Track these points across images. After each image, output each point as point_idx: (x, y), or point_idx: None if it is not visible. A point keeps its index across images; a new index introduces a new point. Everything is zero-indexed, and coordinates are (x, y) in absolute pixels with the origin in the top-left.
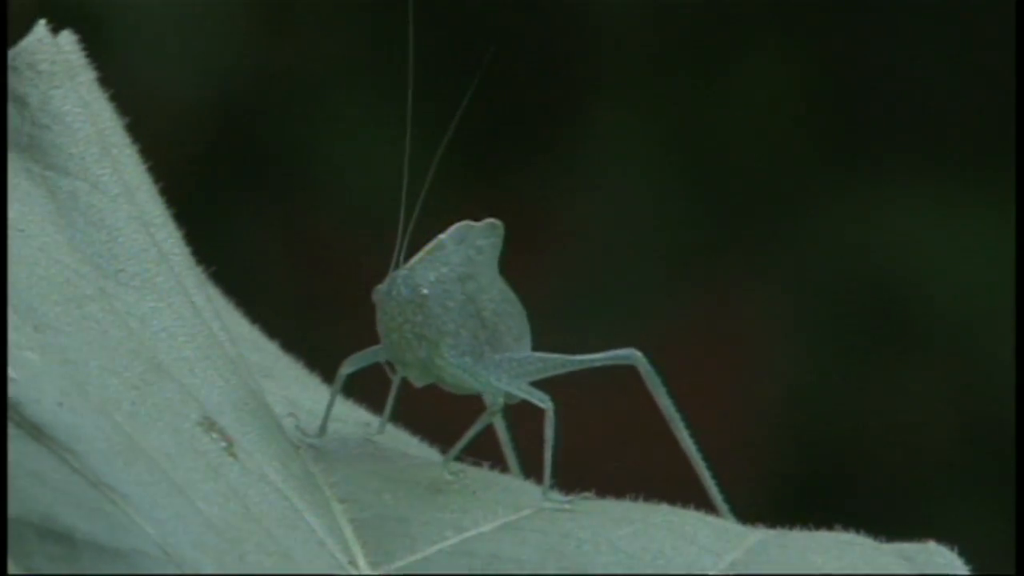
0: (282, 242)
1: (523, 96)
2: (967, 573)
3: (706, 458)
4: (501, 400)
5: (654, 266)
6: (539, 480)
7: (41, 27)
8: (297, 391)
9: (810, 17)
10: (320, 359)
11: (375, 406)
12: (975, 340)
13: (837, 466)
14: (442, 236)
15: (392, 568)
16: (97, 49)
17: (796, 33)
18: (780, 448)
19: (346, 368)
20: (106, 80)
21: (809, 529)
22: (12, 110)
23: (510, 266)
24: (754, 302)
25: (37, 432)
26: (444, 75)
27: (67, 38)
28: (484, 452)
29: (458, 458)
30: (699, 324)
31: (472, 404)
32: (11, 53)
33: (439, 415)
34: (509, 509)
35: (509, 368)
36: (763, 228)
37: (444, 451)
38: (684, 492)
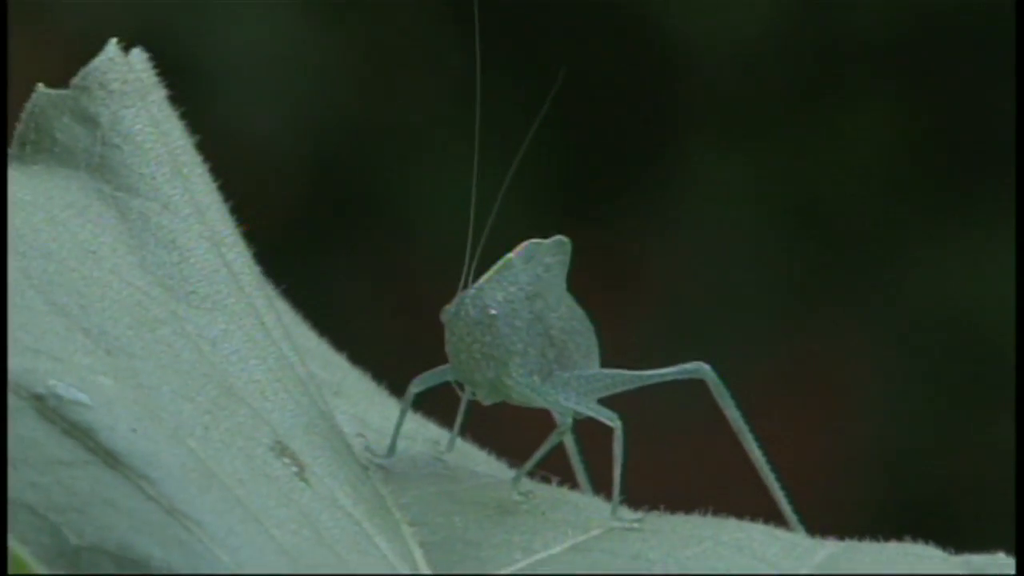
0: (371, 283)
1: (615, 132)
2: None
3: (775, 470)
4: (570, 419)
5: (749, 308)
6: (609, 496)
7: (112, 46)
8: (366, 408)
9: (912, 66)
10: (389, 375)
11: (444, 420)
12: None
13: (924, 508)
14: (510, 255)
15: None
16: (193, 92)
17: (899, 81)
18: (869, 487)
19: (415, 387)
20: (199, 124)
21: (878, 541)
22: (83, 130)
23: (594, 305)
24: (848, 348)
25: (112, 459)
26: (531, 110)
27: (138, 56)
28: (554, 467)
29: (527, 476)
30: (794, 370)
31: (541, 415)
32: (82, 72)
33: (509, 428)
34: (579, 530)
35: (577, 386)
36: (859, 275)
37: (514, 465)
38: (755, 507)
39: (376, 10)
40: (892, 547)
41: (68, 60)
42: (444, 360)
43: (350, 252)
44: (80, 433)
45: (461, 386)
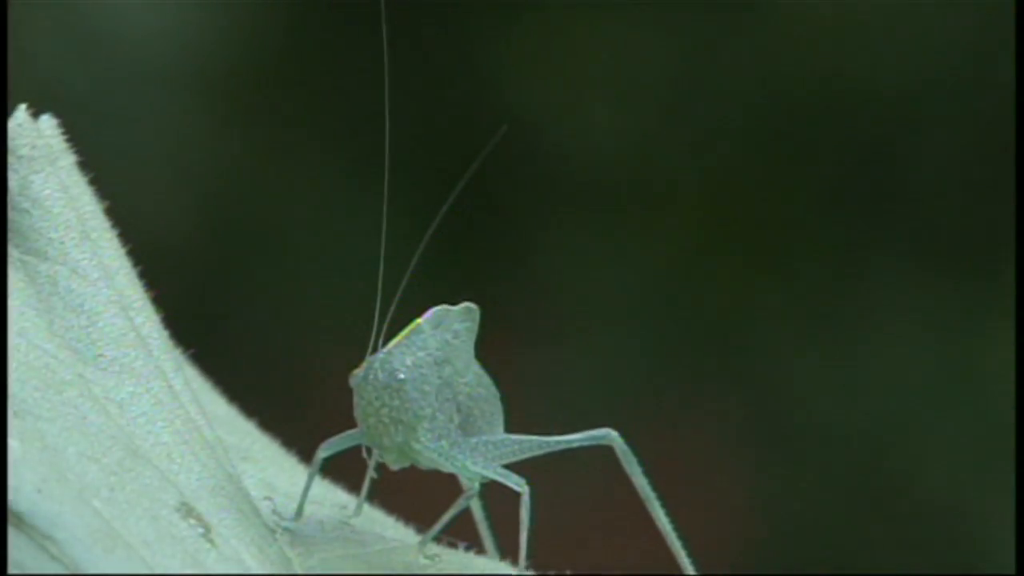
0: (281, 349)
1: (500, 205)
2: None
3: (682, 537)
4: (477, 484)
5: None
6: (515, 561)
7: (22, 111)
8: (274, 473)
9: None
10: (298, 441)
11: (352, 486)
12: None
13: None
14: (419, 320)
15: None
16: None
17: (758, 172)
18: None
19: (323, 451)
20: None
21: None
22: None
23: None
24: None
25: (18, 520)
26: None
27: (48, 123)
28: (461, 534)
29: (434, 541)
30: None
31: (448, 481)
32: None
33: (416, 494)
34: None
35: (485, 451)
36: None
37: (421, 530)
38: (661, 572)
39: (271, 89)
40: None
41: None
42: (353, 425)
43: (260, 319)
44: None
45: (369, 451)
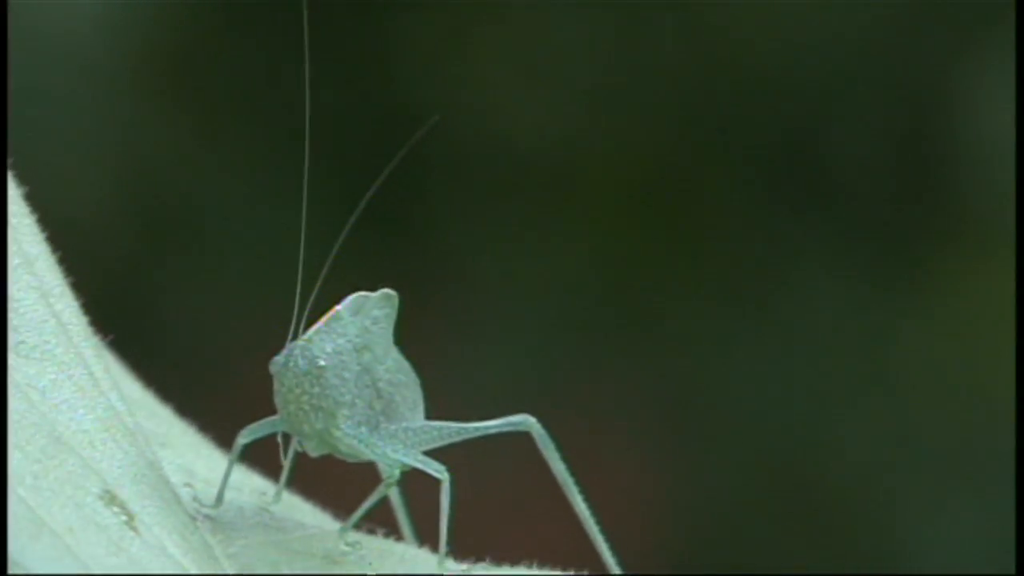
0: (196, 333)
1: (423, 196)
2: None
3: (599, 522)
4: (397, 471)
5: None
6: (435, 548)
7: None
8: (192, 459)
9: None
10: (215, 426)
11: (270, 472)
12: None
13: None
14: (338, 307)
15: None
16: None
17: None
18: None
19: (243, 438)
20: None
21: None
22: None
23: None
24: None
25: None
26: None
27: None
28: (380, 521)
29: (355, 528)
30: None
31: (367, 469)
32: None
33: (334, 481)
34: None
35: (405, 438)
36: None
37: (339, 518)
38: (579, 558)
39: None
40: None
41: None
42: (272, 411)
43: (176, 304)
44: None
45: (287, 438)
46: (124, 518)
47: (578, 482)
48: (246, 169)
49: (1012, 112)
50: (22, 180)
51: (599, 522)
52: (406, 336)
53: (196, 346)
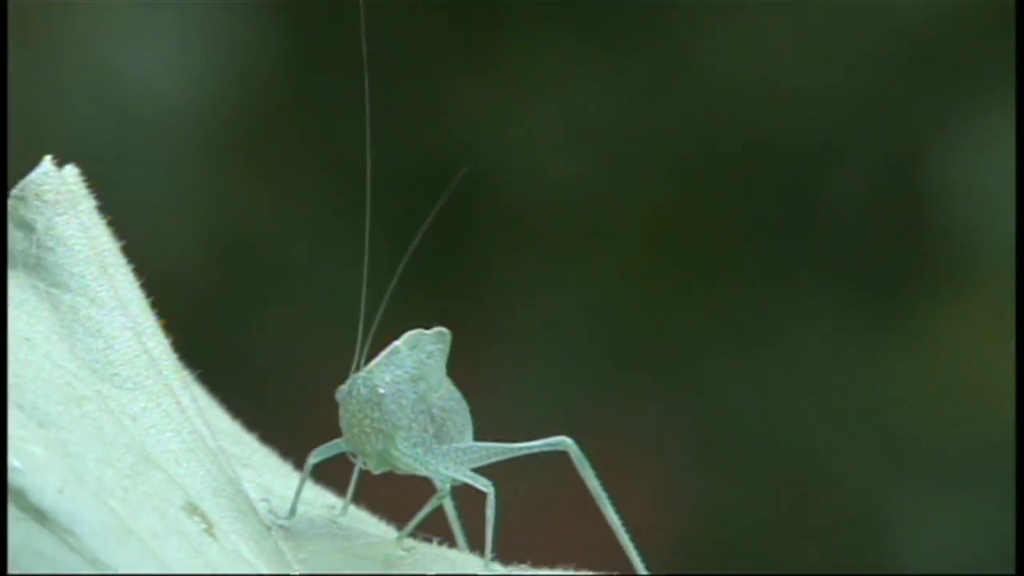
0: (276, 370)
1: (469, 241)
2: None
3: (629, 531)
4: (448, 485)
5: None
6: (483, 554)
7: (47, 162)
8: (271, 479)
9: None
10: (293, 450)
11: (339, 489)
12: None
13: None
14: (397, 343)
15: None
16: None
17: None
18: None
19: (313, 458)
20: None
21: None
22: (20, 234)
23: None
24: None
25: (40, 516)
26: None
27: (71, 171)
28: (434, 530)
29: (411, 536)
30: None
31: (423, 485)
32: (20, 184)
33: (396, 497)
34: None
35: (455, 457)
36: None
37: (399, 529)
38: (610, 564)
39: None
40: None
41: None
42: (339, 435)
43: (259, 344)
44: (14, 494)
45: (354, 457)
46: (204, 526)
47: (610, 496)
48: (316, 225)
49: (1010, 159)
50: (119, 235)
51: (628, 530)
52: (457, 367)
53: (275, 381)
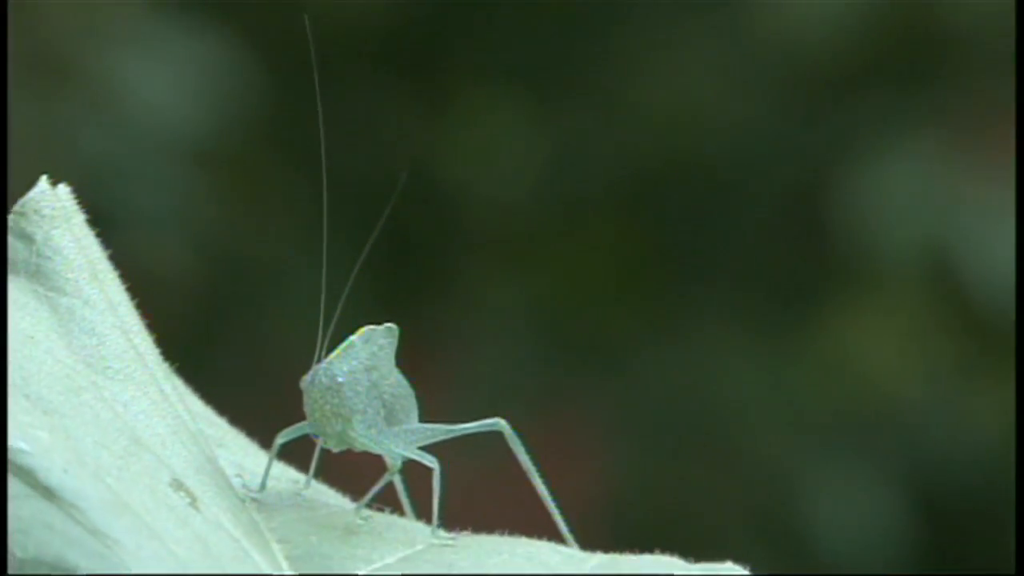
0: (243, 363)
1: (419, 251)
2: None
3: (557, 501)
4: (399, 462)
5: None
6: (430, 521)
7: (44, 181)
8: (242, 456)
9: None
10: (260, 431)
11: (302, 466)
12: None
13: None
14: (352, 337)
15: None
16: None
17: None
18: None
19: (280, 439)
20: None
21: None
22: (21, 245)
23: (413, 371)
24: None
25: (49, 493)
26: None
27: (63, 190)
28: (385, 500)
29: (367, 506)
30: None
31: (375, 462)
32: (20, 201)
33: (351, 473)
34: (406, 546)
35: (404, 437)
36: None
37: (355, 499)
38: (539, 529)
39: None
40: (647, 557)
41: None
42: (303, 418)
43: (231, 338)
44: (23, 473)
45: (316, 437)
46: (189, 501)
47: (540, 470)
48: (286, 234)
49: (905, 183)
50: (106, 244)
51: (556, 501)
52: (413, 360)
53: (245, 370)
